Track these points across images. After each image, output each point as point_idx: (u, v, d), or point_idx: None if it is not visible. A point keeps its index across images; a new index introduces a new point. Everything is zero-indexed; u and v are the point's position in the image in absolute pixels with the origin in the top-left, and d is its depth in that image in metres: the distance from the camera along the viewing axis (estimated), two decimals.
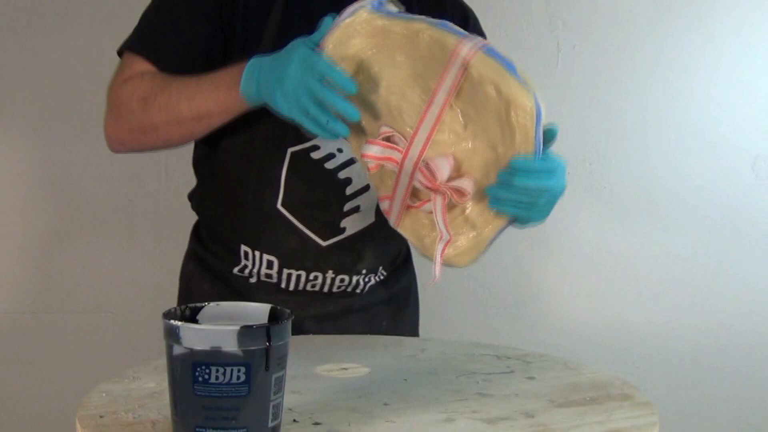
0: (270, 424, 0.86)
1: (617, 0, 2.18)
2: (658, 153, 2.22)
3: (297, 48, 1.10)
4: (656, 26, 2.19)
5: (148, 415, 0.96)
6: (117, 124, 1.28)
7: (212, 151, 1.36)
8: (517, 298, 2.22)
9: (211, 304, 0.93)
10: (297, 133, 1.19)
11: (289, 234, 1.33)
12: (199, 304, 0.92)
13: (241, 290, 1.38)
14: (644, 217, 2.23)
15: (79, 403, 0.99)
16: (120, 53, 1.33)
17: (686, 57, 2.21)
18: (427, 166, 1.08)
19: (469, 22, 1.44)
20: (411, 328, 1.55)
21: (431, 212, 1.10)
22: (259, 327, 0.84)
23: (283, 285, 1.37)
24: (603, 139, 2.20)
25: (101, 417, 0.95)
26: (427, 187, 1.09)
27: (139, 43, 1.31)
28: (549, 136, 1.14)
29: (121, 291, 2.06)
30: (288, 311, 0.90)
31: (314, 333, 1.40)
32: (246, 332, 0.83)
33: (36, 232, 2.04)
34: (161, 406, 0.97)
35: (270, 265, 1.36)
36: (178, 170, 2.01)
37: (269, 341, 0.84)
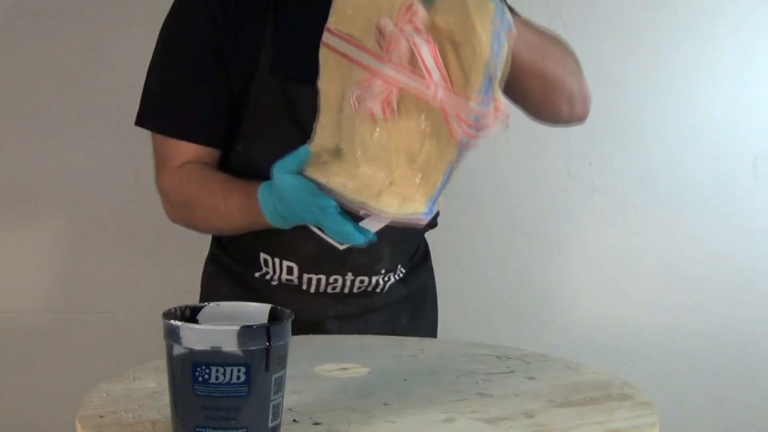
0: (270, 424, 0.86)
1: (617, 0, 2.18)
2: (658, 153, 2.22)
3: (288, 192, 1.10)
4: (656, 26, 2.19)
5: (148, 415, 0.96)
6: (173, 216, 1.37)
7: (227, 159, 1.37)
8: (517, 298, 2.22)
9: (211, 304, 0.93)
10: None
11: (307, 240, 1.34)
12: (199, 304, 0.92)
13: (262, 293, 1.39)
14: (644, 216, 2.23)
15: (79, 403, 0.99)
16: (140, 124, 1.37)
17: (686, 57, 2.21)
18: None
19: None
20: (430, 326, 1.56)
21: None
22: (259, 327, 0.84)
23: (304, 287, 1.39)
24: (603, 139, 2.20)
25: (101, 417, 0.95)
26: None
27: (164, 123, 1.34)
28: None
29: (121, 291, 2.06)
30: (288, 311, 0.90)
31: (336, 332, 1.41)
32: (246, 332, 0.83)
33: (36, 232, 2.04)
34: (161, 406, 0.97)
35: (290, 270, 1.38)
36: None
37: (269, 341, 0.84)
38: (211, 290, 1.48)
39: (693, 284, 2.27)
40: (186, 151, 1.33)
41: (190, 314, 0.91)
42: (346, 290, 1.40)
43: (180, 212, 1.35)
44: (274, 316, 0.91)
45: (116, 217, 2.04)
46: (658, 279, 2.26)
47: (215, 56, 1.31)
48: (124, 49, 1.98)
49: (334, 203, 1.06)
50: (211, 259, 1.51)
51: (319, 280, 1.38)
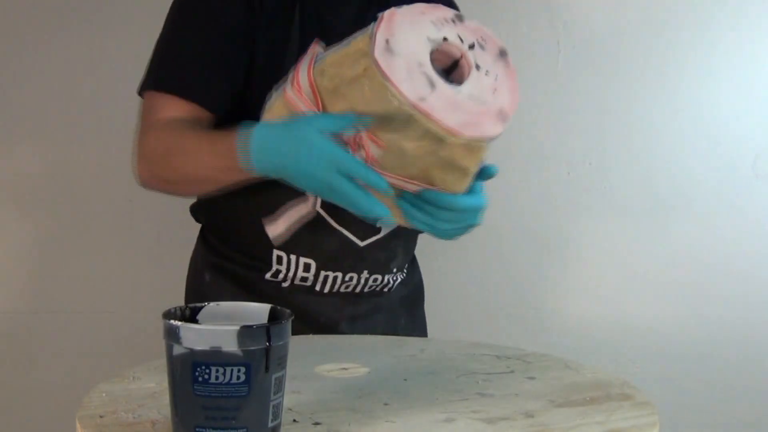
0: (270, 424, 0.86)
1: (617, 0, 2.18)
2: (659, 152, 2.22)
3: (310, 140, 1.03)
4: (656, 26, 2.19)
5: (148, 415, 0.96)
6: (143, 171, 1.27)
7: None
8: (517, 298, 2.22)
9: (211, 304, 0.93)
10: None
11: (329, 236, 1.33)
12: (199, 304, 0.92)
13: (272, 296, 1.33)
14: (645, 216, 2.23)
15: (79, 403, 0.99)
16: (140, 92, 1.30)
17: (686, 56, 2.21)
18: None
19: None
20: (423, 323, 1.57)
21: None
22: (259, 327, 0.84)
23: (317, 287, 1.37)
24: (603, 139, 2.20)
25: (101, 417, 0.95)
26: None
27: (165, 80, 1.27)
28: (488, 173, 1.13)
29: (121, 291, 2.06)
30: (288, 311, 0.90)
31: (347, 334, 1.40)
32: (246, 332, 0.83)
33: (36, 231, 2.04)
34: (161, 406, 0.97)
35: (307, 267, 1.35)
36: None
37: (269, 341, 0.84)
38: (210, 299, 1.42)
39: (693, 284, 2.27)
40: (179, 106, 1.25)
41: (190, 314, 0.91)
42: (358, 289, 1.40)
43: (150, 163, 1.25)
44: (274, 316, 0.91)
45: (116, 217, 2.04)
46: (658, 279, 2.26)
47: (242, 34, 1.26)
48: (124, 49, 1.98)
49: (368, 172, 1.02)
50: (206, 267, 1.43)
51: (335, 278, 1.37)
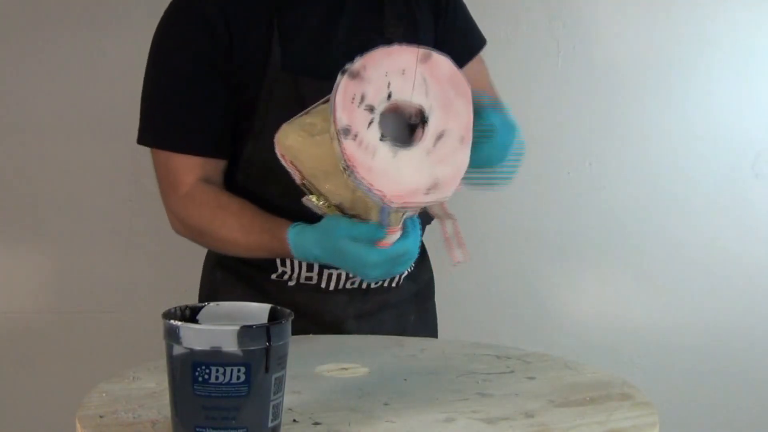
0: (270, 424, 0.86)
1: (617, 0, 2.18)
2: (659, 152, 2.22)
3: (342, 249, 1.15)
4: (656, 26, 2.19)
5: (148, 415, 0.96)
6: (181, 230, 1.38)
7: (237, 159, 1.36)
8: (517, 298, 2.22)
9: (211, 304, 0.93)
10: None
11: None
12: (199, 304, 0.92)
13: (279, 296, 1.36)
14: (644, 216, 2.23)
15: (79, 403, 0.99)
16: (144, 143, 1.36)
17: (686, 56, 2.21)
18: None
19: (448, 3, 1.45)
20: (434, 323, 1.56)
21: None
22: (259, 327, 0.84)
23: (323, 285, 1.38)
24: (603, 139, 2.20)
25: (101, 417, 0.95)
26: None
27: (163, 139, 1.34)
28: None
29: (121, 291, 2.06)
30: (288, 311, 0.90)
31: (354, 332, 1.41)
32: (246, 332, 0.83)
33: (35, 232, 2.04)
34: (161, 406, 0.97)
35: (310, 267, 1.37)
36: None
37: (269, 341, 0.84)
38: (220, 297, 1.43)
39: (693, 284, 2.27)
40: (190, 164, 1.32)
41: (190, 314, 0.91)
42: (364, 285, 1.40)
43: (192, 235, 1.36)
44: (274, 316, 0.91)
45: (116, 217, 2.04)
46: (658, 279, 2.26)
47: (212, 66, 1.30)
48: (124, 49, 1.98)
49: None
50: (216, 266, 1.47)
51: (339, 275, 1.38)
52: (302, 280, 1.39)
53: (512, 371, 1.18)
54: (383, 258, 1.13)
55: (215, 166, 1.35)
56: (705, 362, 2.28)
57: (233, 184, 1.37)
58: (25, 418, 2.07)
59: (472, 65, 1.47)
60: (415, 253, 1.16)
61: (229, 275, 1.45)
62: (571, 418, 0.99)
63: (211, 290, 1.48)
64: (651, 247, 2.25)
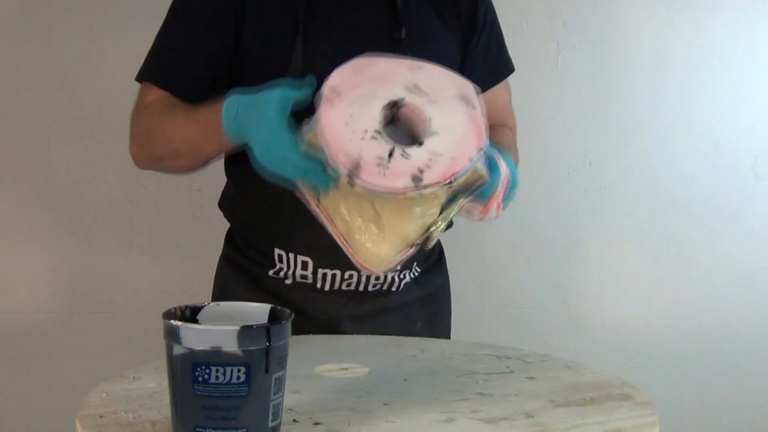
0: (270, 424, 0.86)
1: (617, 0, 2.18)
2: (658, 152, 2.22)
3: (270, 117, 1.07)
4: (656, 26, 2.19)
5: (148, 415, 0.96)
6: (135, 151, 1.37)
7: (244, 156, 1.36)
8: (517, 298, 2.21)
9: (211, 304, 0.93)
10: None
11: (325, 234, 1.33)
12: (199, 304, 0.92)
13: (277, 293, 1.39)
14: (644, 216, 2.23)
15: (79, 403, 0.99)
16: (139, 80, 1.39)
17: (686, 56, 2.21)
18: None
19: (479, 5, 1.46)
20: (445, 330, 1.55)
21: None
22: (259, 327, 0.84)
23: (318, 285, 1.39)
24: (603, 139, 2.20)
25: (101, 417, 0.95)
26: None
27: (151, 71, 1.37)
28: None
29: (121, 291, 2.06)
30: (288, 311, 0.90)
31: (351, 334, 1.40)
32: (246, 332, 0.83)
33: (35, 231, 2.04)
34: (161, 406, 0.97)
35: (305, 266, 1.38)
36: None
37: (269, 341, 0.84)
38: (226, 294, 1.47)
39: (693, 284, 2.27)
40: (160, 96, 1.35)
41: (190, 314, 0.91)
42: (361, 287, 1.40)
43: (141, 141, 1.34)
44: (274, 316, 0.91)
45: (116, 216, 2.04)
46: (657, 279, 2.26)
47: (222, 25, 1.33)
48: (124, 49, 1.98)
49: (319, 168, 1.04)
50: (225, 261, 1.50)
51: (333, 276, 1.38)
52: (298, 279, 1.39)
53: (512, 371, 1.18)
54: (301, 161, 1.04)
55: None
56: (705, 362, 2.28)
57: (246, 176, 1.36)
58: (25, 418, 2.06)
59: (494, 89, 1.48)
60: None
61: (233, 271, 1.46)
62: (571, 418, 0.99)
63: (220, 285, 1.50)
64: (651, 247, 2.25)
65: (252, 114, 1.10)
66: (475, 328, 2.14)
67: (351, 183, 1.00)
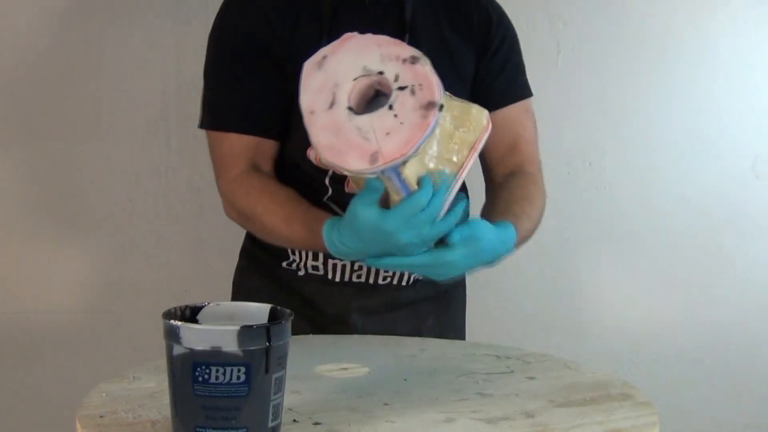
0: (270, 424, 0.86)
1: (617, 0, 2.18)
2: (659, 153, 2.22)
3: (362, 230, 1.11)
4: (657, 26, 2.19)
5: (148, 415, 0.96)
6: (232, 214, 1.39)
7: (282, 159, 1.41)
8: (518, 298, 2.21)
9: (211, 304, 0.93)
10: None
11: None
12: (199, 304, 0.92)
13: (291, 283, 1.44)
14: (644, 216, 2.23)
15: (79, 403, 0.99)
16: (206, 128, 1.40)
17: (686, 57, 2.20)
18: None
19: (492, 26, 1.46)
20: (457, 329, 1.56)
21: None
22: (259, 327, 0.84)
23: (329, 276, 1.42)
24: (603, 139, 2.20)
25: (101, 417, 0.95)
26: None
27: (219, 117, 1.38)
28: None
29: (121, 291, 2.06)
30: (288, 311, 0.90)
31: (360, 327, 1.43)
32: (246, 332, 0.83)
33: (36, 231, 2.03)
34: (161, 406, 0.97)
35: (316, 256, 1.41)
36: (178, 170, 2.02)
37: (269, 341, 0.84)
38: (242, 284, 1.52)
39: (693, 284, 2.26)
40: (241, 144, 1.36)
41: (190, 314, 0.91)
42: (371, 280, 1.42)
43: (239, 219, 1.38)
44: (274, 316, 0.91)
45: (116, 217, 2.04)
46: (657, 279, 2.26)
47: (266, 51, 1.35)
48: (124, 49, 1.98)
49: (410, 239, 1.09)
50: (243, 253, 1.54)
51: (344, 267, 1.41)
52: (310, 270, 1.42)
53: (512, 371, 1.18)
54: (399, 217, 1.08)
55: (266, 150, 1.37)
56: (705, 362, 2.28)
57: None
58: (25, 418, 2.06)
59: (510, 111, 1.46)
60: (438, 207, 1.10)
61: (249, 263, 1.52)
62: (571, 418, 0.99)
63: (238, 276, 1.55)
64: (651, 247, 2.25)
65: (353, 241, 1.14)
66: (475, 328, 2.14)
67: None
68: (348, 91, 1.06)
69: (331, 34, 1.33)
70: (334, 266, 1.41)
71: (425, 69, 1.06)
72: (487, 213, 1.35)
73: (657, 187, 2.23)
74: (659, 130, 2.22)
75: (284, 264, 1.44)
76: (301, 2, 1.37)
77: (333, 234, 1.16)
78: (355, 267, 1.41)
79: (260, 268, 1.48)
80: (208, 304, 0.93)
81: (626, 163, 2.21)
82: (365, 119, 1.04)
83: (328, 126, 1.04)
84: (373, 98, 1.08)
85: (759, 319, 2.29)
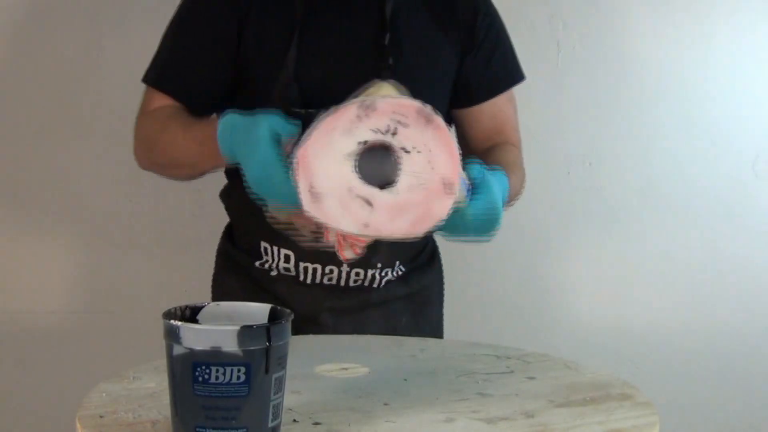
0: (270, 424, 0.86)
1: (617, 0, 2.18)
2: (658, 153, 2.22)
3: (263, 142, 1.04)
4: (656, 26, 2.19)
5: (148, 415, 0.96)
6: (138, 155, 1.41)
7: None
8: (518, 298, 2.21)
9: (211, 304, 0.93)
10: None
11: None
12: (199, 304, 0.92)
13: (263, 283, 1.44)
14: (644, 216, 2.23)
15: (79, 403, 0.99)
16: (145, 82, 1.42)
17: (686, 57, 2.20)
18: None
19: (478, 16, 1.45)
20: (434, 328, 1.56)
21: None
22: (259, 327, 0.84)
23: (301, 278, 1.42)
24: (603, 139, 2.20)
25: (101, 417, 0.95)
26: None
27: (158, 77, 1.40)
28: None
29: (121, 291, 2.06)
30: (288, 311, 0.90)
31: (331, 327, 1.43)
32: (246, 332, 0.83)
33: (35, 231, 2.04)
34: (161, 406, 0.97)
35: (287, 259, 1.41)
36: None
37: (269, 341, 0.84)
38: (219, 284, 1.53)
39: (693, 284, 2.26)
40: (164, 102, 1.38)
41: (190, 314, 0.91)
42: (342, 282, 1.42)
43: (144, 152, 1.39)
44: (274, 316, 0.91)
45: (116, 217, 2.04)
46: (658, 279, 2.26)
47: (231, 32, 1.36)
48: (124, 49, 1.98)
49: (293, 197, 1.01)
50: (220, 253, 1.55)
51: (314, 270, 1.41)
52: (282, 271, 1.43)
53: (512, 371, 1.18)
54: (289, 189, 1.01)
55: (186, 111, 1.38)
56: (705, 362, 2.28)
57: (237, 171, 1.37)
58: (25, 418, 2.06)
59: (496, 101, 1.49)
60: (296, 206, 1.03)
61: (225, 262, 1.53)
62: (571, 418, 0.99)
63: (215, 276, 1.56)
64: (651, 247, 2.25)
65: (246, 136, 1.07)
66: (475, 328, 2.14)
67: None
68: (363, 183, 0.99)
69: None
70: (305, 269, 1.41)
71: (383, 101, 1.00)
72: None
73: (656, 187, 2.23)
74: (659, 130, 2.22)
75: (257, 264, 1.44)
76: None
77: (228, 119, 1.11)
78: (326, 270, 1.40)
79: (236, 267, 1.49)
80: (208, 304, 0.93)
81: (626, 163, 2.21)
82: (404, 179, 0.99)
83: (390, 216, 0.99)
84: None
85: (759, 319, 2.29)
